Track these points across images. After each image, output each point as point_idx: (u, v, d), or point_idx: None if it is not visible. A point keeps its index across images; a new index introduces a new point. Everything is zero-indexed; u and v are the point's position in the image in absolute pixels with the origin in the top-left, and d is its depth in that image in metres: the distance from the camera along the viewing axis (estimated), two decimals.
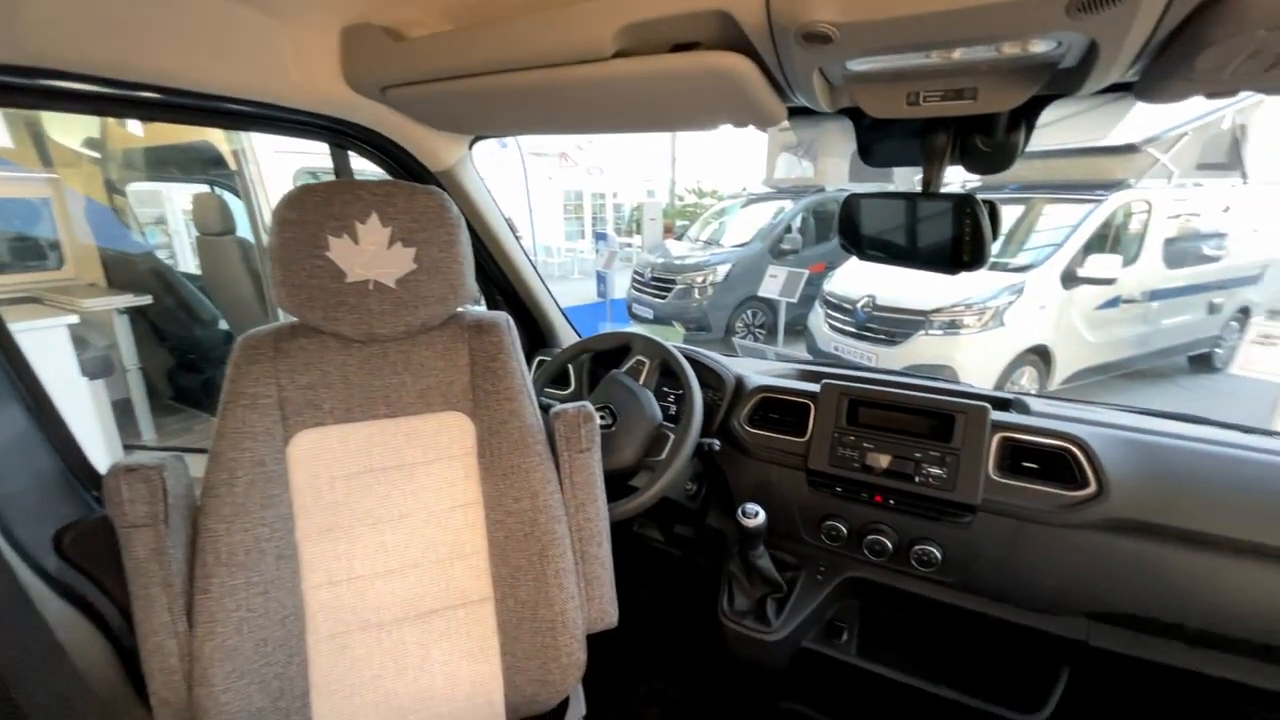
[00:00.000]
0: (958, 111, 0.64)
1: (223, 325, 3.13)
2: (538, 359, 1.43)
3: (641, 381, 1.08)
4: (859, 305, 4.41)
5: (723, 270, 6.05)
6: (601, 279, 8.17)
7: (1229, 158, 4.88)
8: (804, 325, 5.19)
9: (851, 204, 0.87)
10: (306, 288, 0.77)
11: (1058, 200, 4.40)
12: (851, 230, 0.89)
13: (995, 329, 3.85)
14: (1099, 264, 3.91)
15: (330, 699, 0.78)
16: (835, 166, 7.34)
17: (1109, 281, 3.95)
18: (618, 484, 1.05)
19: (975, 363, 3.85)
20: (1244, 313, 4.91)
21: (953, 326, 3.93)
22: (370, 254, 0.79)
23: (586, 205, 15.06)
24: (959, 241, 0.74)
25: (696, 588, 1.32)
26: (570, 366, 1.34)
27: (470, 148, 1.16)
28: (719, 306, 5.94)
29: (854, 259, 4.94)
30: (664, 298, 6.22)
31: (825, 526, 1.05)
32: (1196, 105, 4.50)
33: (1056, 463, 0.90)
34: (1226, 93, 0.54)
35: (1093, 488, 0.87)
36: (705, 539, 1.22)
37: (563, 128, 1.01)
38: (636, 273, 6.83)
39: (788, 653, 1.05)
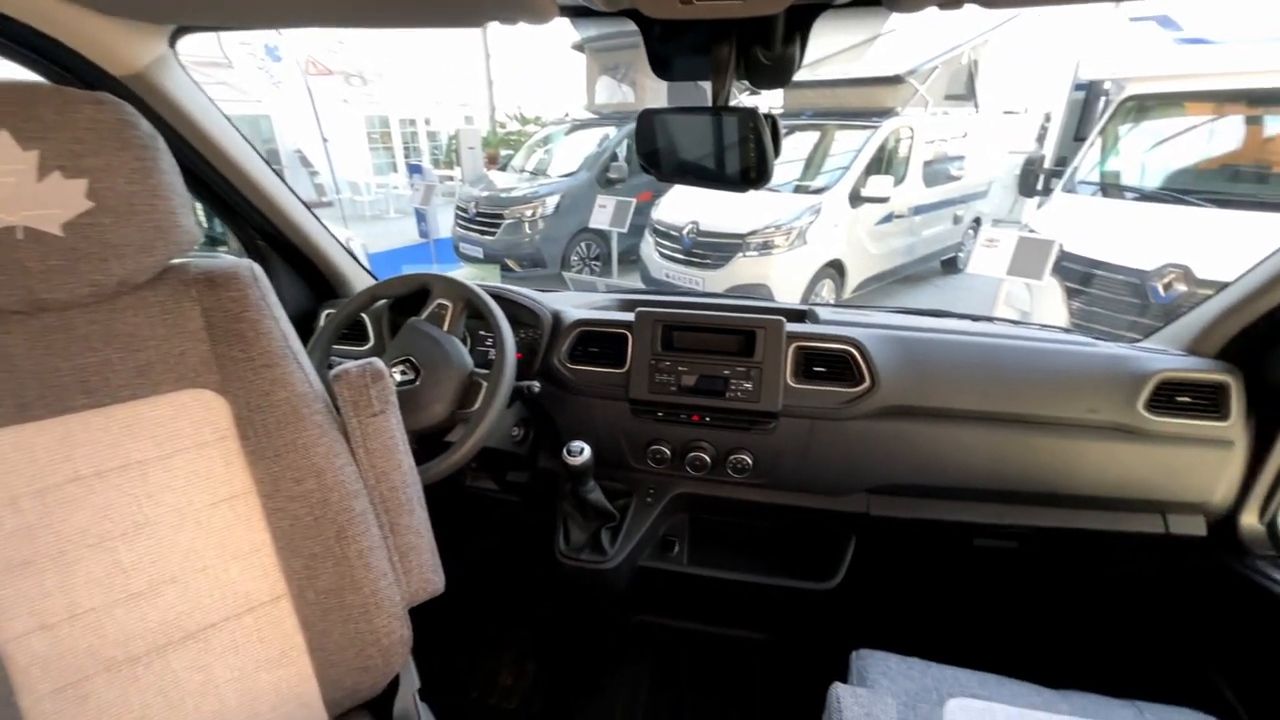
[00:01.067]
0: (729, 13, 0.62)
1: None
2: (324, 313, 1.23)
3: (446, 328, 0.97)
4: (684, 232, 4.58)
5: (552, 202, 5.83)
6: (421, 217, 7.41)
7: (967, 89, 5.80)
8: (637, 255, 5.28)
9: (645, 121, 0.83)
10: None
11: (845, 126, 4.89)
12: (649, 148, 0.86)
13: (800, 247, 4.28)
14: (877, 184, 4.49)
15: None
16: (655, 91, 7.32)
17: (884, 200, 4.57)
18: (433, 442, 0.96)
19: (786, 279, 4.26)
20: (977, 223, 6.04)
21: (766, 247, 4.28)
22: (10, 188, 0.57)
23: (395, 134, 13.34)
24: (745, 157, 0.75)
25: (538, 531, 1.31)
26: (367, 319, 1.17)
27: (173, 45, 0.89)
28: (552, 240, 5.77)
29: (676, 188, 5.03)
30: (493, 234, 5.86)
31: (650, 451, 1.08)
32: (943, 39, 5.21)
33: (840, 364, 1.01)
34: (953, 3, 0.59)
35: (867, 383, 0.99)
36: (539, 482, 1.20)
37: (296, 16, 0.81)
38: (460, 208, 6.30)
39: (626, 576, 1.09)
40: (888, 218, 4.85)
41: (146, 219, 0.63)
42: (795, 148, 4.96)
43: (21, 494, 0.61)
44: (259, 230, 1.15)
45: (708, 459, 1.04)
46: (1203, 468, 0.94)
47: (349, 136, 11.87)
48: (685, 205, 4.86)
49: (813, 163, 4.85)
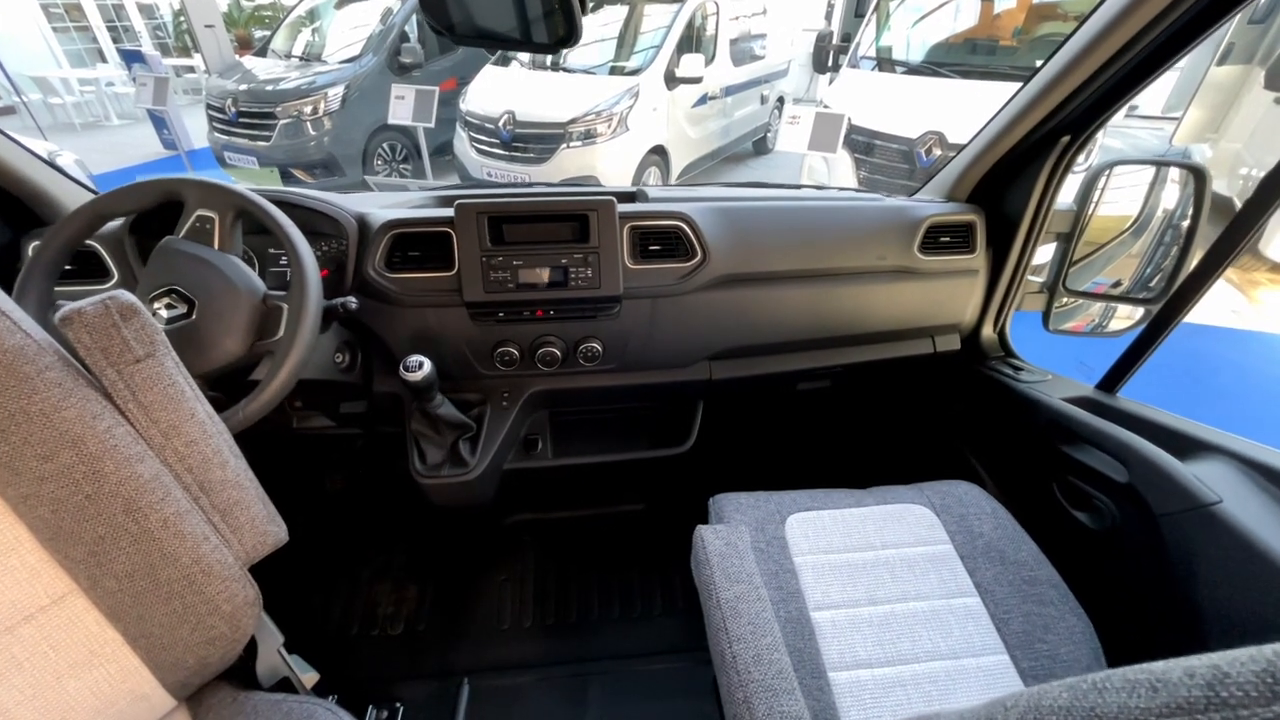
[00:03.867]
0: None
1: None
2: (30, 246, 0.93)
3: (217, 245, 0.79)
4: (500, 123, 4.20)
5: (335, 94, 4.90)
6: (160, 122, 5.83)
7: None
8: (453, 153, 4.76)
9: None
10: None
11: (653, 0, 4.68)
12: (437, 7, 0.73)
13: (623, 134, 4.18)
14: (690, 64, 4.45)
15: None
16: None
17: (697, 80, 4.57)
18: (234, 383, 0.82)
19: (613, 169, 4.18)
20: (780, 101, 6.37)
21: (589, 136, 4.11)
22: None
23: (90, 8, 9.91)
24: (551, 15, 0.67)
25: (389, 458, 1.23)
26: (102, 250, 0.92)
27: None
28: (344, 141, 4.93)
29: (484, 73, 4.53)
30: (267, 138, 4.84)
31: (498, 354, 1.04)
32: None
33: (673, 240, 1.03)
34: None
35: (699, 256, 1.03)
36: (380, 408, 1.10)
37: None
38: (213, 107, 5.03)
39: (493, 482, 1.08)
40: (702, 99, 4.89)
41: None
42: (605, 25, 4.67)
43: None
44: None
45: (558, 353, 1.03)
46: (958, 295, 1.16)
47: (13, 17, 8.61)
48: (497, 94, 4.42)
49: (625, 40, 4.62)
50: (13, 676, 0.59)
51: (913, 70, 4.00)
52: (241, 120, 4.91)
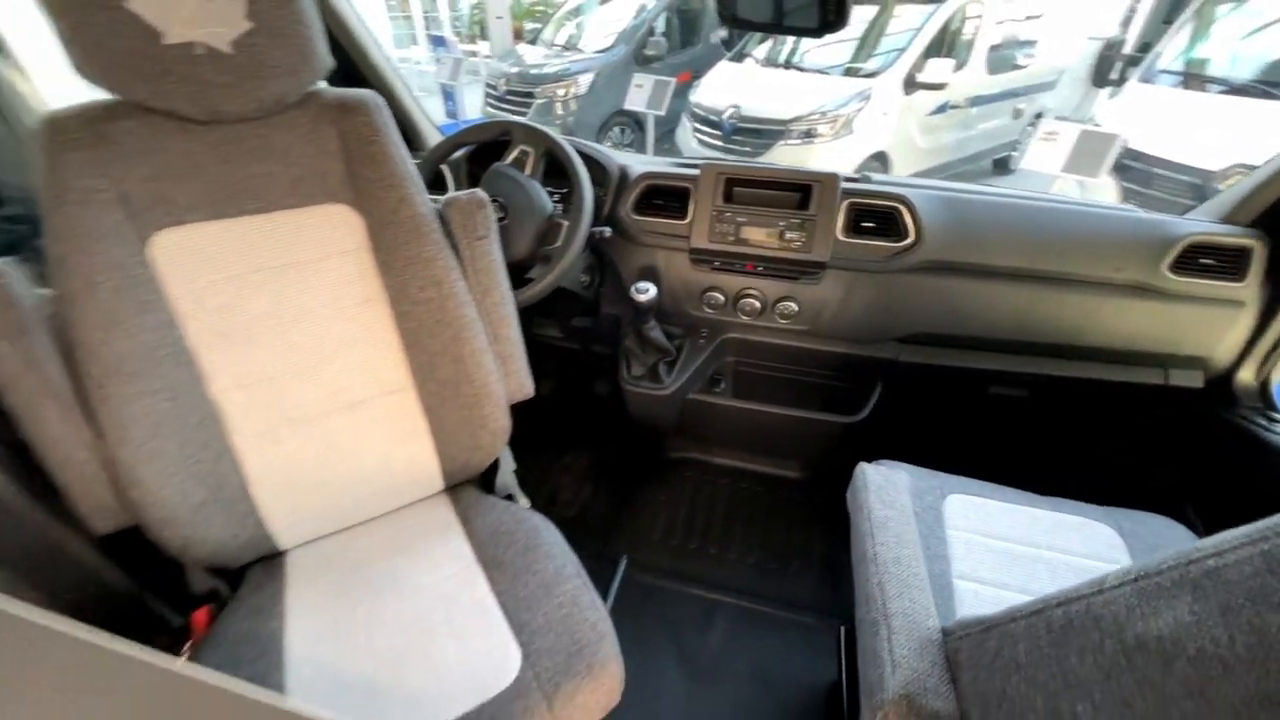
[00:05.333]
0: None
1: None
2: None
3: (528, 172, 1.07)
4: (725, 116, 4.40)
5: (585, 80, 5.56)
6: (449, 95, 7.12)
7: None
8: (672, 141, 5.11)
9: None
10: (112, 50, 0.64)
11: (908, 0, 4.46)
12: (728, 4, 0.89)
13: (845, 137, 4.10)
14: (935, 69, 4.18)
15: (269, 488, 0.82)
16: None
17: (940, 87, 4.27)
18: (514, 276, 1.09)
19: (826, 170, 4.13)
20: (1038, 118, 5.62)
21: (809, 135, 4.12)
22: (190, 7, 0.66)
23: (415, 1, 12.38)
24: (824, 2, 0.79)
25: (596, 373, 1.48)
26: (445, 170, 1.27)
27: None
28: (584, 123, 5.57)
29: (717, 68, 4.77)
30: (524, 113, 5.67)
31: (706, 296, 1.20)
32: None
33: (888, 220, 1.09)
34: None
35: (912, 238, 1.08)
36: (601, 327, 1.34)
37: None
38: (489, 85, 6.04)
39: (678, 403, 1.26)
40: (942, 108, 4.56)
41: (294, 44, 0.72)
42: (849, 26, 4.56)
43: (218, 279, 0.76)
44: (346, 75, 1.22)
45: (758, 304, 1.17)
46: (1210, 326, 1.03)
47: (367, 4, 11.12)
48: (727, 88, 4.62)
49: (867, 41, 4.49)
50: (372, 429, 0.90)
51: (1235, 90, 3.29)
52: (508, 97, 5.82)
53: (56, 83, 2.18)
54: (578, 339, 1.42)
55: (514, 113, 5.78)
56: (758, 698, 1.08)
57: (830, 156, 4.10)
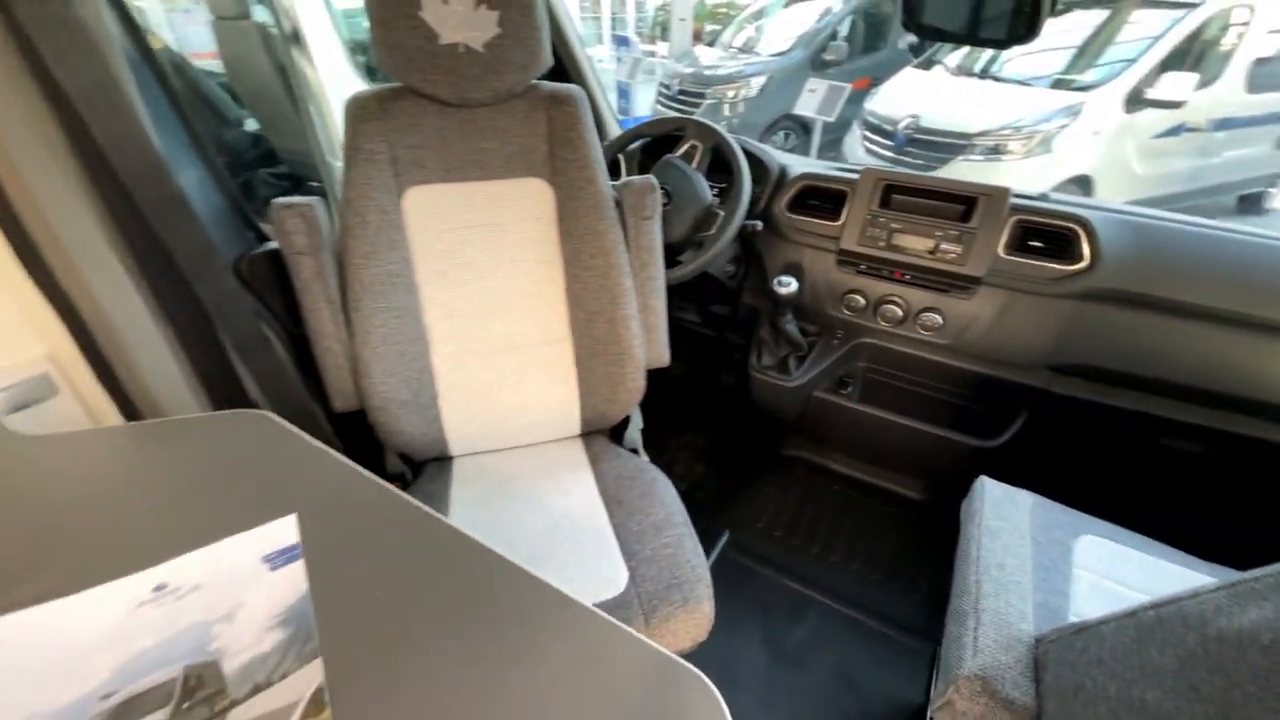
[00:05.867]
0: None
1: (249, 126, 3.09)
2: None
3: (694, 165, 1.18)
4: (900, 127, 4.17)
5: (757, 83, 5.59)
6: (623, 93, 7.54)
7: None
8: (836, 150, 4.95)
9: None
10: (405, 48, 0.84)
11: (1151, 4, 3.87)
12: (915, 10, 0.91)
13: (1040, 155, 3.69)
14: (1172, 84, 3.58)
15: (453, 402, 1.02)
16: None
17: (1177, 105, 3.65)
18: (668, 257, 1.21)
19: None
20: None
21: (995, 152, 3.77)
22: (460, 16, 0.85)
23: (605, 2, 13.21)
24: (1018, 12, 0.78)
25: (726, 360, 1.55)
26: (621, 157, 1.42)
27: None
28: (750, 125, 5.60)
29: (900, 75, 4.51)
30: (691, 113, 5.84)
31: (846, 298, 1.22)
32: None
33: (1060, 241, 1.03)
34: None
35: (1085, 262, 1.01)
36: (739, 316, 1.41)
37: None
38: (663, 84, 6.31)
39: (802, 399, 1.29)
40: (1174, 130, 3.89)
41: (527, 46, 0.88)
42: (1066, 32, 4.07)
43: (443, 229, 0.96)
44: (554, 70, 1.41)
45: (900, 312, 1.16)
46: None
47: (564, 5, 12.04)
48: (908, 96, 4.38)
49: (1088, 50, 3.97)
50: (535, 370, 1.06)
51: None
52: (679, 96, 6.03)
53: (329, 72, 2.71)
54: (713, 324, 1.51)
55: (683, 112, 6.00)
56: (838, 696, 1.10)
57: (1019, 177, 3.72)
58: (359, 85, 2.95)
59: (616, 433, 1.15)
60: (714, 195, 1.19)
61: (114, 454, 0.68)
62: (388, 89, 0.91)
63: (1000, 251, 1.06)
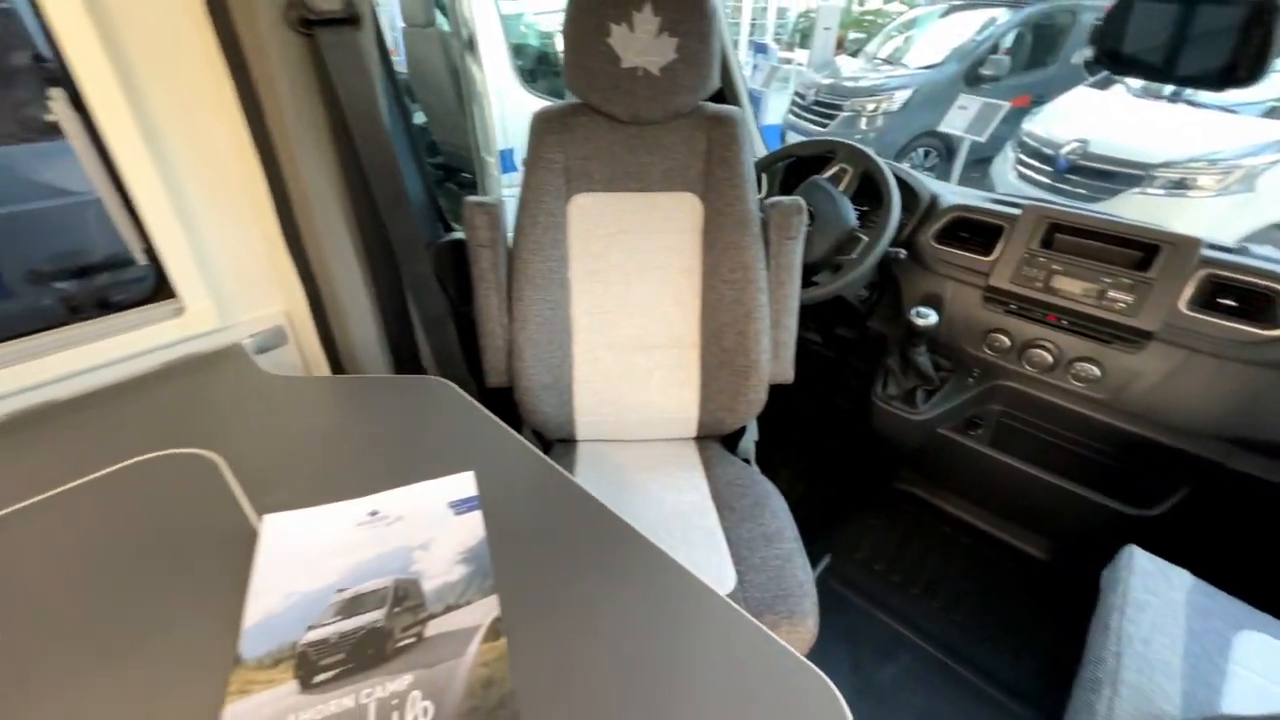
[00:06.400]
0: None
1: (416, 119, 3.47)
2: None
3: (841, 188, 1.18)
4: (1063, 151, 3.79)
5: (901, 97, 5.32)
6: (756, 100, 7.49)
7: None
8: (982, 172, 4.60)
9: (1120, 8, 0.83)
10: (590, 70, 0.94)
11: None
12: (1111, 39, 0.86)
13: (1240, 194, 3.21)
14: None
15: (585, 391, 1.11)
16: None
17: None
18: (805, 277, 1.22)
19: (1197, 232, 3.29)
20: None
21: (1180, 186, 3.32)
22: (643, 43, 0.93)
23: (746, 8, 13.16)
24: (1238, 51, 0.72)
25: (846, 383, 1.53)
26: (764, 174, 1.45)
27: None
28: (886, 141, 5.35)
29: (1071, 94, 4.07)
30: (825, 125, 5.68)
31: (990, 338, 1.17)
32: None
33: (1259, 302, 0.92)
34: None
35: None
36: (864, 341, 1.39)
37: None
38: (798, 94, 6.18)
39: (925, 434, 1.25)
40: None
41: (700, 70, 0.95)
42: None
43: (599, 233, 1.05)
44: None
45: (1050, 359, 1.09)
46: None
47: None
48: (1078, 118, 3.97)
49: None
50: (661, 370, 1.12)
51: None
52: (814, 107, 5.89)
53: (494, 75, 2.96)
54: (836, 347, 1.49)
55: (816, 123, 5.84)
56: None
57: (1206, 215, 3.25)
58: (518, 88, 3.22)
59: (729, 441, 1.19)
60: (858, 219, 1.19)
61: (329, 398, 0.83)
62: (569, 105, 1.01)
63: (1181, 306, 0.96)
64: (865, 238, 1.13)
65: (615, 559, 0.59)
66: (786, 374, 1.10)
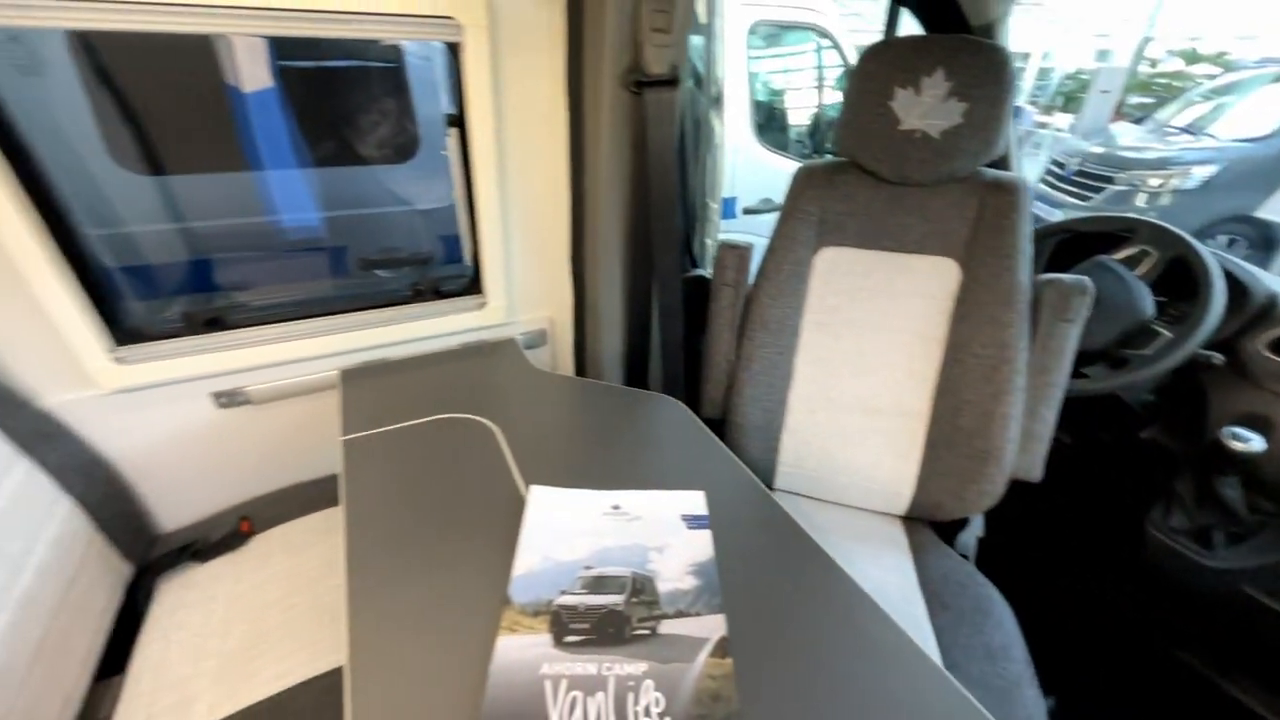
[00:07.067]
0: None
1: None
2: None
3: (1138, 273, 1.02)
4: None
5: (1200, 173, 4.41)
6: None
7: None
8: None
9: None
10: (866, 130, 0.95)
11: None
12: None
13: None
14: None
15: (793, 440, 1.10)
16: None
17: None
18: (1075, 365, 1.07)
19: None
20: None
21: None
22: (926, 106, 0.92)
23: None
24: None
25: (1104, 499, 1.29)
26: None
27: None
28: (1176, 224, 4.44)
29: None
30: (1087, 199, 4.93)
31: None
32: None
33: None
34: None
35: None
36: (1135, 452, 1.16)
37: None
38: (1055, 163, 5.47)
39: (1221, 588, 0.99)
40: None
41: (986, 136, 0.90)
42: None
43: (840, 288, 1.05)
44: None
45: None
46: None
47: None
48: None
49: None
50: (878, 436, 1.05)
51: None
52: (1076, 178, 5.14)
53: (732, 129, 3.15)
54: (1095, 453, 1.26)
55: (1075, 196, 5.10)
56: None
57: None
58: (754, 142, 3.39)
59: (944, 529, 1.08)
60: (1154, 309, 1.00)
61: (580, 396, 0.94)
62: (833, 163, 1.04)
63: None
64: (1165, 333, 0.95)
65: (840, 614, 0.57)
66: (1033, 471, 0.97)
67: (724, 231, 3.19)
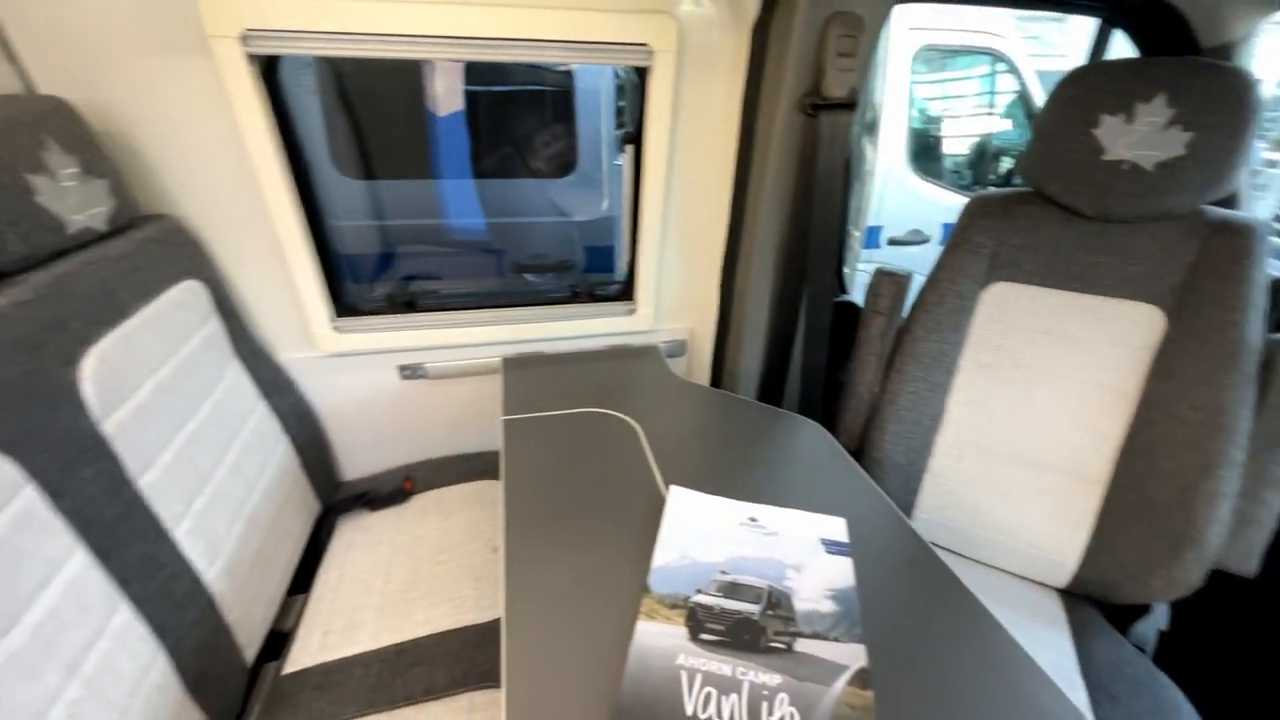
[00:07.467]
0: None
1: None
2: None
3: None
4: None
5: None
6: None
7: None
8: None
9: None
10: (1061, 160, 0.88)
11: None
12: None
13: None
14: None
15: (937, 485, 1.02)
16: None
17: None
18: None
19: None
20: None
21: None
22: (1139, 135, 0.82)
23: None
24: None
25: None
26: None
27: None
28: None
29: None
30: None
31: None
32: None
33: None
34: None
35: None
36: None
37: None
38: None
39: None
40: None
41: (1215, 169, 0.79)
42: None
43: (1011, 327, 0.96)
44: None
45: None
46: None
47: None
48: None
49: None
50: (1043, 496, 0.94)
51: None
52: None
53: (884, 156, 3.03)
54: None
55: None
56: None
57: None
58: (907, 170, 3.23)
59: (1116, 614, 0.94)
60: None
61: (719, 408, 0.96)
62: (1015, 193, 0.96)
63: None
64: None
65: (999, 675, 0.53)
66: (1246, 563, 0.82)
67: (864, 262, 3.06)
